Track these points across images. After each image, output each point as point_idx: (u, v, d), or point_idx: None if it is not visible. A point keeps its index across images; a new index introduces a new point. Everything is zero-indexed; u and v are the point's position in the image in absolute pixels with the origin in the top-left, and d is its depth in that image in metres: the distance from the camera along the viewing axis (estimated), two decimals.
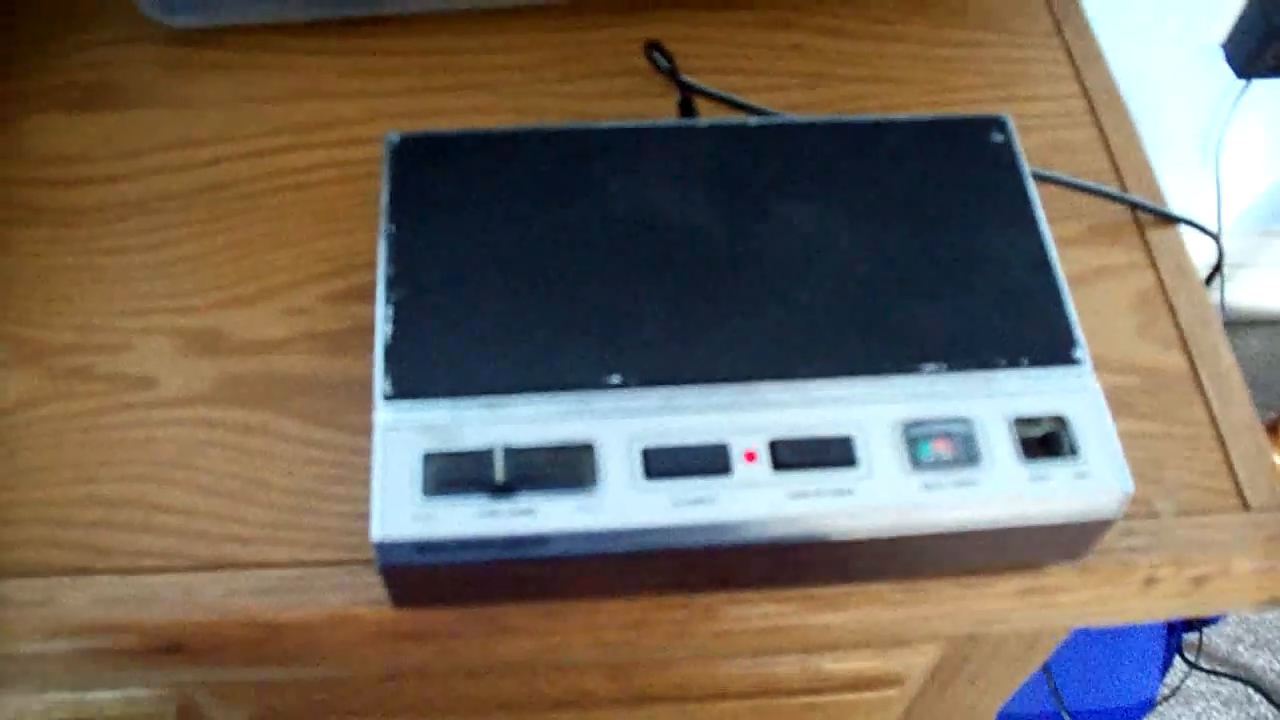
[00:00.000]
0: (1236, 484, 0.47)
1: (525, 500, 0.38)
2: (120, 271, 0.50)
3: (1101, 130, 0.56)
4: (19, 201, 0.52)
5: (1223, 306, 1.25)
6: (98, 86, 0.56)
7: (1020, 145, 0.46)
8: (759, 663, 0.54)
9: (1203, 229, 0.55)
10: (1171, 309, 0.51)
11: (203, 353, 0.48)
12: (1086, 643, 1.01)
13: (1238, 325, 1.43)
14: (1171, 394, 0.49)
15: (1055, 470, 0.39)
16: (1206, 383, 0.49)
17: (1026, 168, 0.46)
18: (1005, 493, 0.39)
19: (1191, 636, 1.14)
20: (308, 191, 0.52)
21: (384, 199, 0.43)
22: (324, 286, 0.49)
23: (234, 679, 0.49)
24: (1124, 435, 0.47)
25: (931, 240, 0.44)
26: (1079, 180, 0.53)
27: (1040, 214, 0.45)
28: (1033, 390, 0.41)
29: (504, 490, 0.37)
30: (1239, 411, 0.48)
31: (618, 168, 0.44)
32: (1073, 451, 0.40)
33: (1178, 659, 1.13)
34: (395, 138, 0.45)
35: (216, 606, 0.42)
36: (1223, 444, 0.48)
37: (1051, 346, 0.42)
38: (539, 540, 0.37)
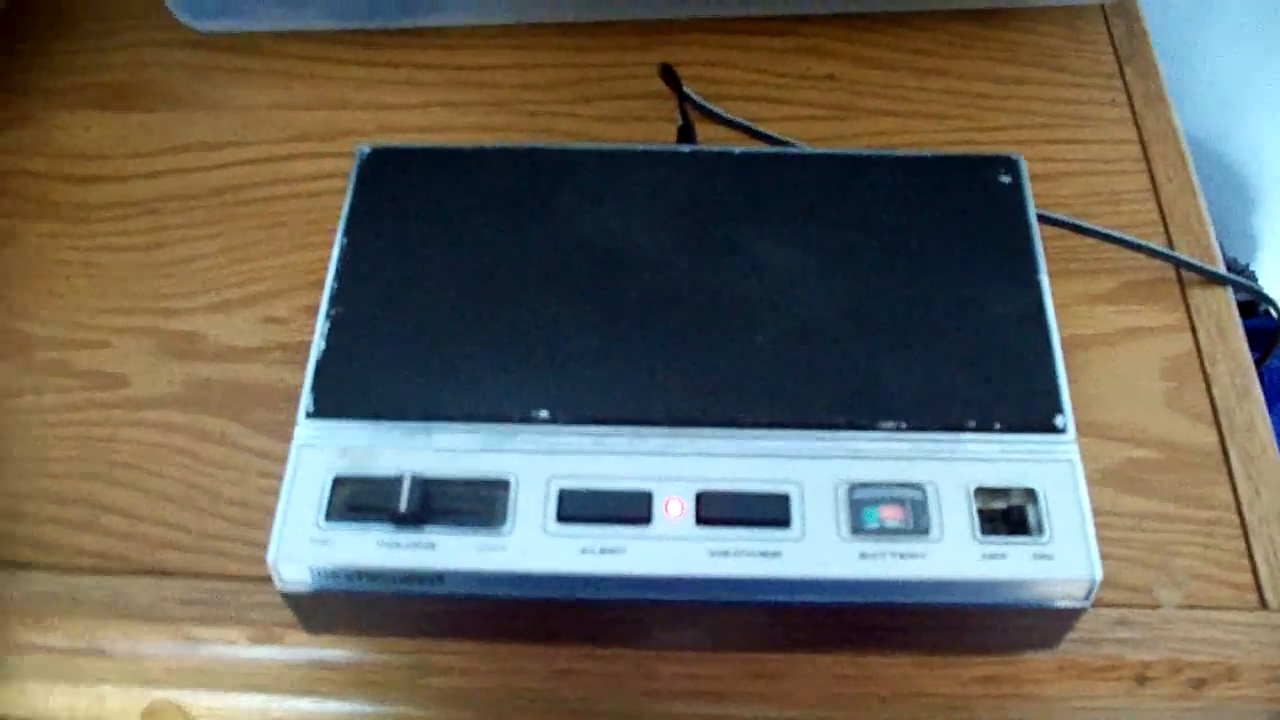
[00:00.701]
0: (1256, 578, 0.42)
1: (429, 534, 0.36)
2: (114, 269, 0.50)
3: (1153, 179, 0.52)
4: (34, 195, 0.53)
5: None
6: (125, 87, 0.57)
7: (1030, 188, 0.43)
8: None
9: (1254, 290, 0.49)
10: (1206, 378, 0.46)
11: (178, 356, 0.48)
12: None
13: None
14: (1194, 472, 0.44)
15: (1014, 549, 0.36)
16: (1235, 463, 0.44)
17: (1034, 213, 0.42)
18: (952, 570, 0.35)
19: None
20: (308, 200, 0.52)
21: (344, 211, 0.42)
22: (305, 297, 0.49)
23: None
24: (1132, 515, 0.43)
25: (915, 286, 0.40)
26: (1104, 229, 0.48)
27: (1041, 264, 0.41)
28: (1003, 459, 0.37)
29: (408, 521, 0.36)
30: (1271, 497, 0.43)
31: (588, 192, 0.42)
32: (1039, 529, 0.36)
33: None
34: (365, 149, 0.44)
35: (140, 612, 0.41)
36: (1245, 532, 0.43)
37: (1031, 411, 0.38)
38: (436, 577, 0.35)
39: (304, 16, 0.56)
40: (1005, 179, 0.43)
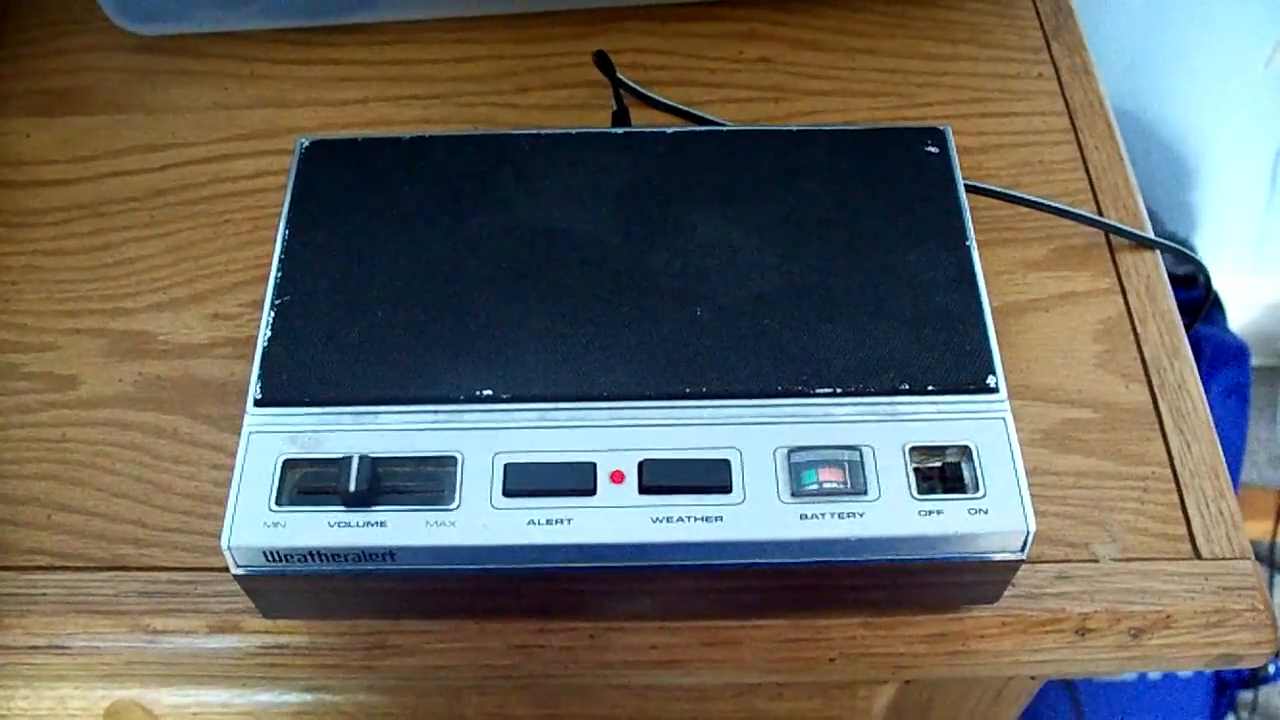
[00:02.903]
0: (1189, 530, 0.43)
1: (379, 513, 0.36)
2: (60, 272, 0.50)
3: (1081, 149, 0.53)
4: None
5: None
6: (65, 92, 0.57)
7: (956, 157, 0.44)
8: (691, 696, 0.51)
9: (1184, 253, 0.51)
10: (1138, 338, 0.47)
11: (128, 355, 0.48)
12: (1123, 699, 0.95)
13: None
14: (1128, 430, 0.45)
15: (950, 505, 0.37)
16: (1167, 419, 0.45)
17: (961, 181, 0.43)
18: (891, 527, 0.36)
19: (1246, 695, 1.07)
20: (251, 198, 0.52)
21: (286, 203, 0.43)
22: (252, 292, 0.49)
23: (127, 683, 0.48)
24: (1070, 473, 0.44)
25: (847, 256, 0.41)
26: (1035, 197, 0.50)
27: (970, 230, 0.42)
28: (937, 419, 0.38)
29: (358, 501, 0.36)
30: (1201, 452, 0.45)
31: (526, 175, 0.43)
32: (974, 486, 0.37)
33: (1230, 718, 1.06)
34: (305, 141, 0.44)
35: (99, 607, 0.42)
36: (1178, 486, 0.44)
37: (964, 372, 0.39)
38: (388, 555, 0.36)
39: (241, 17, 0.57)
40: (932, 149, 0.44)
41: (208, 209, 0.52)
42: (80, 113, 0.56)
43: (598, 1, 0.57)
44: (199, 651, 0.42)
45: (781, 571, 0.37)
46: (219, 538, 0.36)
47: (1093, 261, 0.50)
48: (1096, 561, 0.42)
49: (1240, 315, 1.25)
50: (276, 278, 0.41)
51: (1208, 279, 0.52)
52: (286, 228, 0.42)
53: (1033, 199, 0.50)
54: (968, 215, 0.42)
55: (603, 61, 0.53)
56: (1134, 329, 0.48)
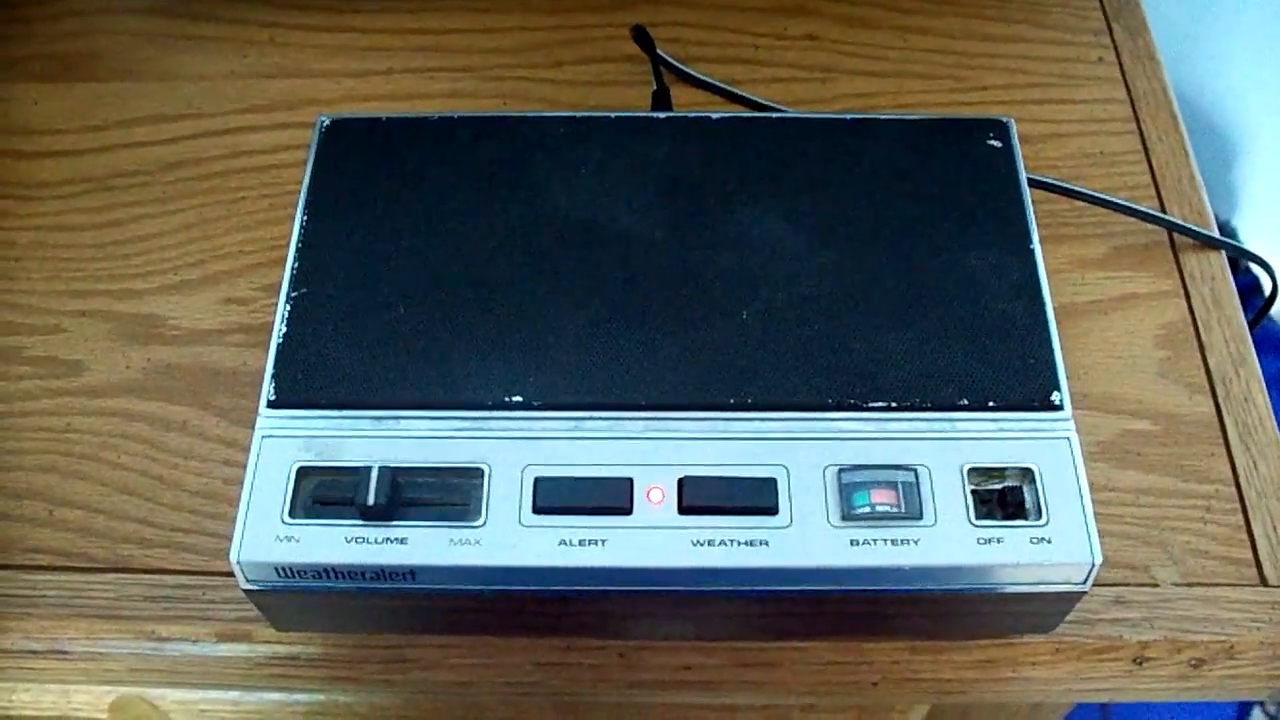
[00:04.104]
0: (1255, 554, 0.41)
1: (399, 528, 0.34)
2: (66, 249, 0.48)
3: (1144, 140, 0.50)
4: None
5: None
6: (76, 57, 0.54)
7: (1020, 152, 0.41)
8: (720, 708, 0.49)
9: (1252, 256, 0.48)
10: (1202, 346, 0.45)
11: (136, 340, 0.45)
12: None
13: None
14: (1191, 445, 0.43)
15: (1011, 533, 0.34)
16: (1232, 434, 0.43)
17: (1025, 178, 0.40)
18: (947, 556, 0.34)
19: None
20: (269, 173, 0.50)
21: (304, 186, 0.40)
22: (267, 275, 0.47)
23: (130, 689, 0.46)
24: (1128, 490, 0.42)
25: (903, 257, 0.39)
26: (1096, 193, 0.47)
27: (1034, 232, 0.39)
28: (997, 438, 0.36)
29: (377, 514, 0.34)
30: (1269, 470, 0.42)
31: (560, 163, 0.40)
32: (1036, 512, 0.35)
33: (1257, 710, 1.04)
34: (325, 120, 0.42)
35: (102, 611, 0.40)
36: (1244, 506, 0.41)
37: (1027, 388, 0.36)
38: (408, 573, 0.34)
39: None
40: (995, 143, 0.41)
41: (222, 184, 0.50)
42: (90, 79, 0.53)
43: None
44: (206, 659, 0.40)
45: (828, 598, 0.35)
46: (229, 540, 0.34)
47: (1155, 261, 0.47)
48: (1156, 586, 0.40)
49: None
50: (293, 268, 0.38)
51: (1275, 282, 0.49)
52: (305, 213, 0.39)
53: (1093, 194, 0.47)
54: (1032, 216, 0.40)
55: (642, 36, 0.50)
56: (1198, 335, 0.45)
